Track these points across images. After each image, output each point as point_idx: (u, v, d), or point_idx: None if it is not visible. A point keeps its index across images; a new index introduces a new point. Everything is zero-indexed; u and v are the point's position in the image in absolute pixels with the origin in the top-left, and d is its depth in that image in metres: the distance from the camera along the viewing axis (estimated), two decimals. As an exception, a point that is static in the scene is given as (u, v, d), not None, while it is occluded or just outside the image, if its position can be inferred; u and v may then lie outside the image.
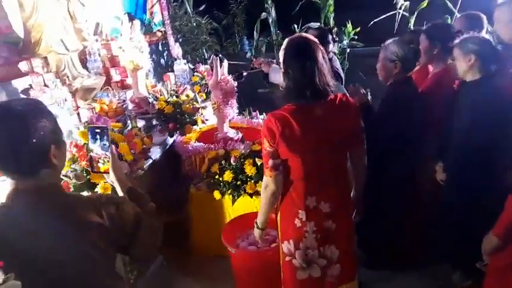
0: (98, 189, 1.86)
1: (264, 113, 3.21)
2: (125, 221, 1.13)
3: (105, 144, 1.29)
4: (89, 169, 1.84)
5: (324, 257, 1.68)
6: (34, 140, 0.99)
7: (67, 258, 1.02)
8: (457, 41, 1.98)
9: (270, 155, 1.59)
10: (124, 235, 1.13)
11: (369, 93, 2.33)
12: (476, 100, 1.89)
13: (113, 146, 1.36)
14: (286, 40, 1.61)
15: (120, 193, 1.29)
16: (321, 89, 1.52)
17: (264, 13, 5.80)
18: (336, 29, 2.85)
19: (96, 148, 1.31)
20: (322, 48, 1.57)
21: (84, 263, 1.05)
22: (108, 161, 1.29)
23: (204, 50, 5.41)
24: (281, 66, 1.59)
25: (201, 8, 5.69)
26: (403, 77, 2.16)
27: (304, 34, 1.64)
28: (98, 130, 1.30)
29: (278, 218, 1.77)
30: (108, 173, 1.30)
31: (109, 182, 1.38)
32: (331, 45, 2.81)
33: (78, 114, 2.41)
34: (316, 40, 1.58)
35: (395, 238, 2.32)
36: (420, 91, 2.25)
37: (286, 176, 1.64)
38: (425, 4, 4.94)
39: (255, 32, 5.92)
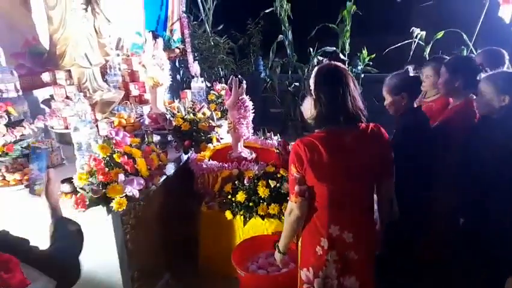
0: (114, 204, 1.87)
1: (278, 134, 3.23)
2: None
3: (42, 167, 1.27)
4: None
5: None
6: None
7: None
8: (484, 75, 1.99)
9: (297, 181, 1.59)
10: None
11: None
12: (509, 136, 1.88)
13: (51, 170, 1.33)
14: (316, 68, 1.63)
15: (49, 220, 1.23)
16: (354, 113, 1.54)
17: (280, 35, 5.89)
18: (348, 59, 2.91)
19: (34, 168, 1.28)
20: (352, 74, 1.60)
21: None
22: (43, 184, 1.25)
23: (220, 68, 5.48)
24: (312, 93, 1.60)
25: (219, 28, 5.80)
26: (412, 106, 2.22)
27: (333, 62, 1.65)
28: (39, 150, 1.29)
29: (299, 244, 1.76)
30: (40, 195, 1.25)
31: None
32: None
33: (97, 126, 2.44)
34: (345, 67, 1.61)
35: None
36: (439, 123, 2.25)
37: (311, 202, 1.64)
38: (441, 34, 4.97)
39: (270, 52, 6.00)
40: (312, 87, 1.60)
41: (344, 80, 1.54)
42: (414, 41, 5.04)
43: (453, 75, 2.23)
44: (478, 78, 2.09)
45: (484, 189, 1.97)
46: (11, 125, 2.25)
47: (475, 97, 2.15)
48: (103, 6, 2.67)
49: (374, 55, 5.38)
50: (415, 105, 2.30)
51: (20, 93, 2.46)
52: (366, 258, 1.68)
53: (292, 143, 2.73)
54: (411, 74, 2.23)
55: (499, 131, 1.91)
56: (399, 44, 5.12)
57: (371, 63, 5.46)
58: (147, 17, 4.40)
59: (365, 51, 5.36)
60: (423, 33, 5.03)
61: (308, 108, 1.67)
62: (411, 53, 5.04)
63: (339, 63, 1.62)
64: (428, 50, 5.03)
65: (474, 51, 4.64)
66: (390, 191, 1.73)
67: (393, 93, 2.22)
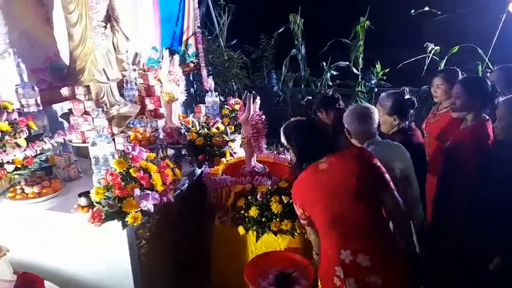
0: (128, 219, 1.89)
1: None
2: None
3: None
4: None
5: None
6: None
7: None
8: (502, 99, 1.98)
9: (301, 217, 1.80)
10: None
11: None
12: None
13: None
14: (283, 126, 1.92)
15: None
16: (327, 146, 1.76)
17: (293, 50, 5.94)
18: (339, 96, 3.13)
19: None
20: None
21: None
22: None
23: (234, 82, 5.54)
24: (288, 147, 1.89)
25: (233, 42, 5.89)
26: (403, 127, 2.35)
27: (297, 118, 1.99)
28: None
29: (319, 282, 1.79)
30: None
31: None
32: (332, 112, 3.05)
33: (113, 140, 2.49)
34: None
35: None
36: (453, 142, 2.24)
37: (318, 234, 1.74)
38: (456, 49, 4.94)
39: (283, 66, 6.05)
40: (285, 142, 1.88)
41: (308, 132, 1.81)
42: (429, 56, 5.02)
43: (472, 95, 2.19)
44: (495, 100, 2.08)
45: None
46: (31, 139, 2.31)
47: (487, 117, 2.14)
48: (122, 23, 2.74)
49: (388, 69, 5.38)
50: (410, 125, 2.42)
51: (41, 107, 2.52)
52: (394, 282, 1.59)
53: None
54: (406, 96, 2.36)
55: None
56: (412, 59, 5.11)
57: (384, 77, 5.45)
58: (163, 32, 4.50)
59: (378, 66, 5.36)
60: (438, 48, 5.01)
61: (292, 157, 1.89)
62: (425, 67, 5.01)
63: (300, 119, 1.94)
64: (442, 64, 5.00)
65: (490, 66, 4.60)
66: (391, 204, 1.68)
67: (386, 112, 2.35)
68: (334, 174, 1.64)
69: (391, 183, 1.69)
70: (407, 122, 2.39)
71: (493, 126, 2.05)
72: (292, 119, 1.96)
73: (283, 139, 1.89)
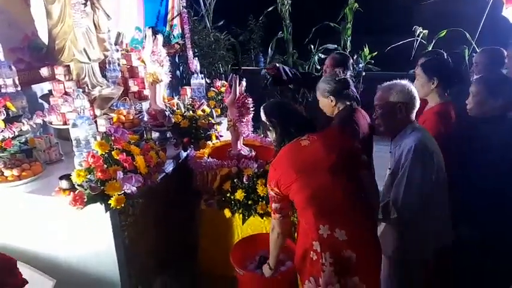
0: (112, 201, 1.85)
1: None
2: None
3: None
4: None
5: None
6: None
7: None
8: (476, 77, 2.00)
9: (273, 199, 1.76)
10: None
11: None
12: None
13: None
14: (262, 108, 1.95)
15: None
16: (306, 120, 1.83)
17: (280, 32, 5.86)
18: (356, 56, 3.01)
19: None
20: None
21: None
22: None
23: (220, 64, 5.45)
24: (270, 128, 1.89)
25: (220, 24, 5.76)
26: (344, 106, 2.41)
27: (272, 100, 2.12)
28: None
29: (296, 258, 1.77)
30: None
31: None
32: (349, 72, 2.87)
33: (96, 122, 2.42)
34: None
35: None
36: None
37: (296, 208, 1.71)
38: (443, 33, 4.94)
39: (269, 49, 5.98)
40: (267, 123, 1.89)
41: (286, 108, 1.89)
42: (417, 40, 5.02)
43: (429, 77, 2.22)
44: (456, 80, 2.10)
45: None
46: (9, 120, 2.23)
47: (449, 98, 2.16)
48: (103, 1, 2.64)
49: (376, 53, 5.36)
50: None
51: (19, 88, 2.43)
52: (368, 257, 1.64)
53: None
54: (338, 78, 2.41)
55: (500, 129, 1.89)
56: (401, 42, 5.10)
57: (372, 61, 5.44)
58: (147, 11, 4.37)
59: (366, 49, 5.34)
60: (426, 31, 5.01)
61: (273, 137, 1.91)
62: (413, 51, 5.01)
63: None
64: (430, 48, 5.00)
65: (477, 50, 4.62)
66: (367, 180, 1.79)
67: (322, 95, 2.45)
68: (315, 150, 1.68)
69: (371, 165, 1.86)
70: (347, 102, 2.42)
71: (466, 103, 2.09)
72: (272, 99, 2.00)
73: (263, 116, 1.91)
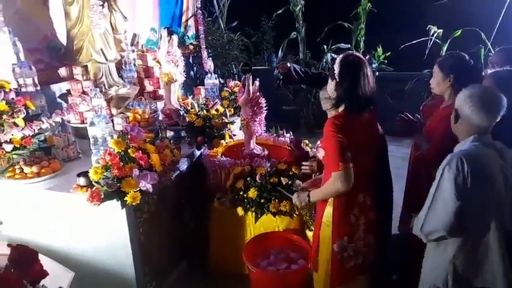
0: (127, 198, 1.90)
1: (290, 132, 3.22)
2: None
3: None
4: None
5: (367, 246, 1.89)
6: None
7: None
8: (489, 72, 1.98)
9: (344, 148, 1.70)
10: None
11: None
12: None
13: None
14: (342, 55, 1.79)
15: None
16: (370, 97, 1.75)
17: (293, 32, 5.87)
18: (369, 56, 2.96)
19: None
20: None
21: None
22: None
23: (234, 65, 5.49)
24: (335, 77, 1.77)
25: (234, 24, 5.80)
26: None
27: (355, 53, 1.85)
28: None
29: (330, 219, 1.85)
30: None
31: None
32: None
33: (112, 121, 2.48)
34: (365, 59, 1.79)
35: None
36: (430, 122, 2.23)
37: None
38: (458, 33, 4.87)
39: (280, 49, 6.00)
40: (336, 71, 1.76)
41: (364, 70, 1.72)
42: (431, 39, 4.96)
43: (446, 74, 2.17)
44: (472, 77, 2.06)
45: None
46: (29, 118, 2.30)
47: None
48: (120, 2, 2.69)
49: (389, 53, 5.32)
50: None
51: (38, 87, 2.50)
52: (380, 218, 1.95)
53: (305, 141, 2.76)
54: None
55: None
56: (414, 42, 5.04)
57: (385, 61, 5.40)
58: (162, 13, 4.43)
59: (379, 49, 5.30)
60: (440, 31, 4.94)
61: (330, 89, 1.82)
62: (427, 51, 4.95)
63: (360, 54, 1.82)
64: (445, 48, 4.94)
65: (492, 50, 4.54)
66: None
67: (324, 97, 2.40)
68: (367, 130, 1.84)
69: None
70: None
71: None
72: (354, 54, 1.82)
73: (337, 68, 1.76)
